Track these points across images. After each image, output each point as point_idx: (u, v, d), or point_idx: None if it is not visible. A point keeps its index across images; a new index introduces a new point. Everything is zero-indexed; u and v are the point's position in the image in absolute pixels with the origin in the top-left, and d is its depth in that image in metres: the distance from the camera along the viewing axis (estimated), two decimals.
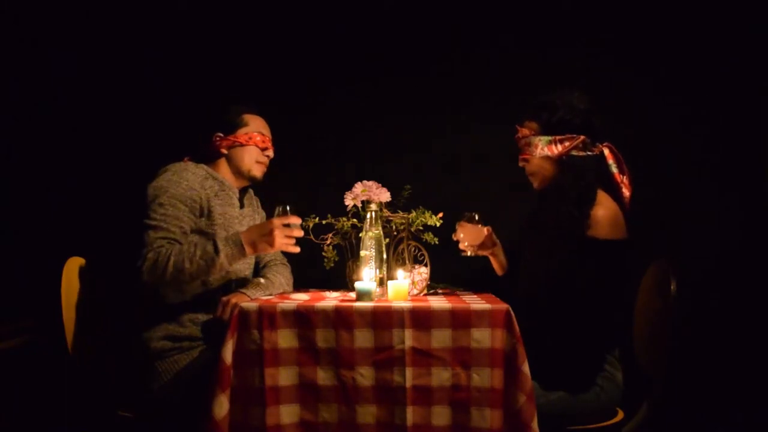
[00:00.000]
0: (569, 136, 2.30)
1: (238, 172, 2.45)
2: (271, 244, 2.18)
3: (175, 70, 3.24)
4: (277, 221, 2.19)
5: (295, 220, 2.22)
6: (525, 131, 2.37)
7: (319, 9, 3.25)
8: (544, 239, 2.30)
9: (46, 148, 3.26)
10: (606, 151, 2.34)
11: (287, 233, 2.20)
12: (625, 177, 2.34)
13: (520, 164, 2.41)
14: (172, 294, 2.26)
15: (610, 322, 2.25)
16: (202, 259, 2.17)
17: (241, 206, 2.48)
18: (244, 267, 2.43)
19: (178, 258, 2.16)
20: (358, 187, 2.46)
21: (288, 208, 2.23)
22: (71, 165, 3.25)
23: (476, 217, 2.42)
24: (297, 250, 2.24)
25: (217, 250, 2.17)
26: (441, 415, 1.97)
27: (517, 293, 2.34)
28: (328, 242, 2.57)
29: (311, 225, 2.56)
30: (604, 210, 2.23)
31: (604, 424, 2.22)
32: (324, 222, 2.56)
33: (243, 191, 2.53)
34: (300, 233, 2.24)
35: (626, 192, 2.32)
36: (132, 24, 3.26)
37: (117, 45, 3.26)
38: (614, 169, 2.34)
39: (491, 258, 2.56)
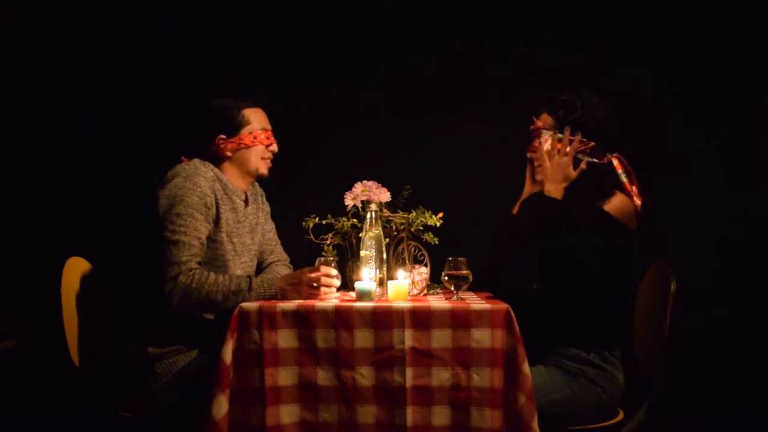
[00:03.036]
0: (580, 138, 2.31)
1: (245, 172, 2.42)
2: (299, 294, 2.18)
3: (178, 70, 3.24)
4: (307, 276, 2.18)
5: (326, 272, 2.19)
6: (539, 123, 2.37)
7: (318, 9, 3.26)
8: (555, 222, 2.28)
9: (46, 148, 3.26)
10: (615, 162, 2.35)
11: (316, 284, 2.17)
12: (634, 187, 2.34)
13: (528, 154, 2.41)
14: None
15: (608, 314, 2.25)
16: (234, 294, 2.15)
17: (246, 203, 2.46)
18: (247, 269, 2.43)
19: (211, 289, 2.14)
20: (358, 187, 2.46)
21: (327, 260, 2.21)
22: (71, 165, 3.25)
23: None
24: (327, 299, 2.19)
25: (250, 289, 2.17)
26: (441, 416, 1.97)
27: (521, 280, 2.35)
28: (328, 242, 2.56)
29: (311, 225, 2.55)
30: (620, 199, 2.28)
31: (605, 424, 2.22)
32: (324, 222, 2.56)
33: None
34: (333, 283, 2.20)
35: (638, 201, 2.33)
36: (132, 24, 3.27)
37: (118, 44, 3.26)
38: (624, 179, 2.34)
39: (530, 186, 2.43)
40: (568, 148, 2.30)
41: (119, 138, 3.24)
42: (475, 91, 3.21)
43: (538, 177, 2.41)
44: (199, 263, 2.21)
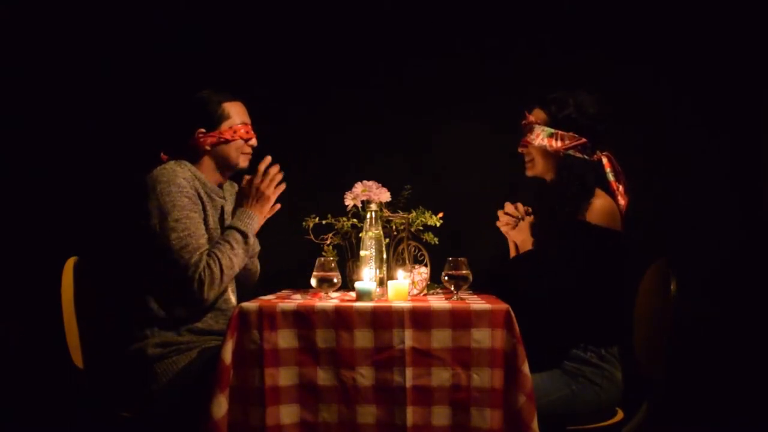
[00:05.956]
0: (571, 135, 2.32)
1: (224, 166, 2.42)
2: (267, 200, 2.35)
3: (178, 70, 3.23)
4: (256, 182, 2.34)
5: (272, 170, 2.36)
6: (531, 118, 2.40)
7: (318, 8, 3.26)
8: (542, 230, 2.31)
9: (46, 148, 3.26)
10: (604, 160, 2.37)
11: (272, 183, 2.35)
12: (621, 186, 2.35)
13: (519, 149, 2.44)
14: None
15: (604, 312, 2.25)
16: (240, 248, 2.27)
17: (224, 198, 2.45)
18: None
19: (223, 262, 2.22)
20: (358, 187, 2.46)
21: (327, 259, 2.21)
22: (72, 165, 3.25)
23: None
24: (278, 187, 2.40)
25: (243, 234, 2.28)
26: (441, 416, 1.97)
27: (518, 285, 2.37)
28: (328, 242, 2.57)
29: (311, 225, 2.55)
30: (601, 200, 2.28)
31: (604, 423, 2.22)
32: (324, 222, 2.56)
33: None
34: (278, 172, 2.38)
35: (621, 201, 2.34)
36: (132, 24, 3.26)
37: (118, 44, 3.26)
38: (611, 177, 2.36)
39: (510, 242, 2.54)
40: (559, 144, 2.32)
41: (119, 138, 3.24)
42: (475, 91, 3.21)
43: (530, 173, 2.43)
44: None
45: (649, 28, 3.15)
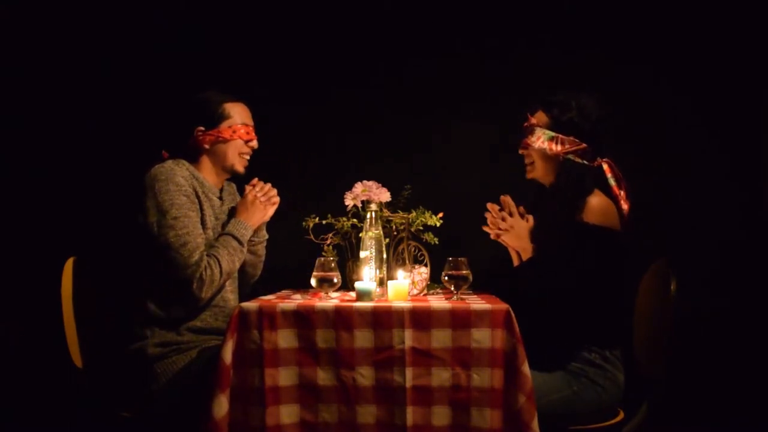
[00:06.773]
0: (572, 139, 2.31)
1: (221, 167, 2.41)
2: (258, 210, 2.40)
3: (178, 70, 3.23)
4: (250, 194, 2.40)
5: (259, 185, 2.43)
6: (533, 120, 2.39)
7: (318, 9, 3.26)
8: (540, 232, 2.31)
9: (46, 148, 3.26)
10: (605, 166, 2.36)
11: (263, 197, 2.41)
12: (623, 191, 2.34)
13: (520, 151, 2.43)
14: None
15: (608, 313, 2.25)
16: (235, 255, 2.31)
17: (221, 199, 2.45)
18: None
19: (223, 265, 2.26)
20: (358, 187, 2.46)
21: (327, 259, 2.21)
22: (72, 165, 3.25)
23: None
24: (277, 200, 2.46)
25: (239, 241, 2.33)
26: (441, 416, 1.97)
27: (518, 286, 2.37)
28: (328, 242, 2.57)
29: (311, 225, 2.55)
30: (597, 198, 2.27)
31: (605, 424, 2.22)
32: (324, 222, 2.56)
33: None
34: (272, 189, 2.45)
35: (624, 205, 2.33)
36: (132, 24, 3.26)
37: (118, 44, 3.26)
38: (613, 182, 2.35)
39: (511, 250, 2.52)
40: (560, 147, 2.31)
41: (119, 138, 3.24)
42: (475, 91, 3.21)
43: (529, 176, 2.43)
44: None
45: (649, 28, 3.15)
